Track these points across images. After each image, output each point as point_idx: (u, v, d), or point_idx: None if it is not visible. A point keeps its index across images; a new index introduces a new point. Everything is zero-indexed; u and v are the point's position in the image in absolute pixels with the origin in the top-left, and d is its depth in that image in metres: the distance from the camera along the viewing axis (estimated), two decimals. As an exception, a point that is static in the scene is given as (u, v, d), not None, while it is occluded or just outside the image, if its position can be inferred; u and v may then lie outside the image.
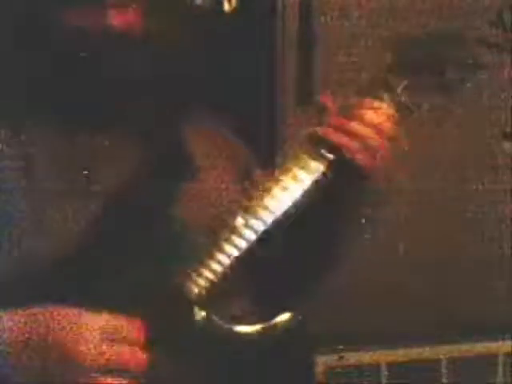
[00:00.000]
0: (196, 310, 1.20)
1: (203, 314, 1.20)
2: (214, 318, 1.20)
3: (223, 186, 1.37)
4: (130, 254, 1.22)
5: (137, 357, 1.13)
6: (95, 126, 1.31)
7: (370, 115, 1.28)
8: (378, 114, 1.29)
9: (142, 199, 1.27)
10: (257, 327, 1.21)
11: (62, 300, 1.14)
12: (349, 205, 1.34)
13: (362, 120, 1.27)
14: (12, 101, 1.31)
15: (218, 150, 1.40)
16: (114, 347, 1.12)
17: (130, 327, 1.14)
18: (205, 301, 1.20)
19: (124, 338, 1.13)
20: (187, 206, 1.30)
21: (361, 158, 1.26)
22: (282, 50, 2.05)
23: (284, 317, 1.22)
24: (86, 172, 1.29)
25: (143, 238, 1.23)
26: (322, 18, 2.06)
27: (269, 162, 1.50)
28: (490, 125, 2.20)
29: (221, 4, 1.29)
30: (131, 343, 1.13)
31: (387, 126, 1.29)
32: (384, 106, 1.30)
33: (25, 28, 1.28)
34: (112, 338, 1.12)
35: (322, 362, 2.19)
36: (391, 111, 1.30)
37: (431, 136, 2.17)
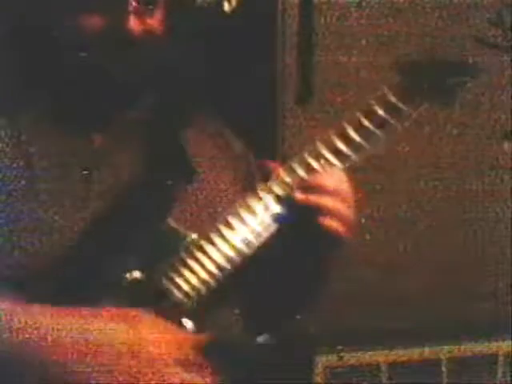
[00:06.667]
0: (183, 319, 1.18)
1: (191, 323, 1.18)
2: (202, 327, 1.17)
3: (222, 188, 1.36)
4: (124, 254, 1.21)
5: None
6: (95, 126, 1.31)
7: (324, 181, 1.26)
8: (332, 178, 1.26)
9: (138, 200, 1.27)
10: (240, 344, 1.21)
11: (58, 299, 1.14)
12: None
13: (318, 187, 1.25)
14: (12, 100, 1.31)
15: (218, 153, 1.40)
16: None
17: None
18: (192, 310, 1.18)
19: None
20: (183, 208, 1.29)
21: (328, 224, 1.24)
22: (281, 50, 2.05)
23: (264, 337, 1.21)
24: (85, 172, 1.29)
25: (137, 238, 1.23)
26: (322, 18, 2.06)
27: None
28: (490, 125, 2.20)
29: (221, 4, 1.30)
30: None
31: (343, 189, 1.27)
32: (337, 171, 1.27)
33: (28, 28, 1.28)
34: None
35: (322, 362, 2.19)
36: (344, 175, 1.27)
37: (431, 136, 2.17)
